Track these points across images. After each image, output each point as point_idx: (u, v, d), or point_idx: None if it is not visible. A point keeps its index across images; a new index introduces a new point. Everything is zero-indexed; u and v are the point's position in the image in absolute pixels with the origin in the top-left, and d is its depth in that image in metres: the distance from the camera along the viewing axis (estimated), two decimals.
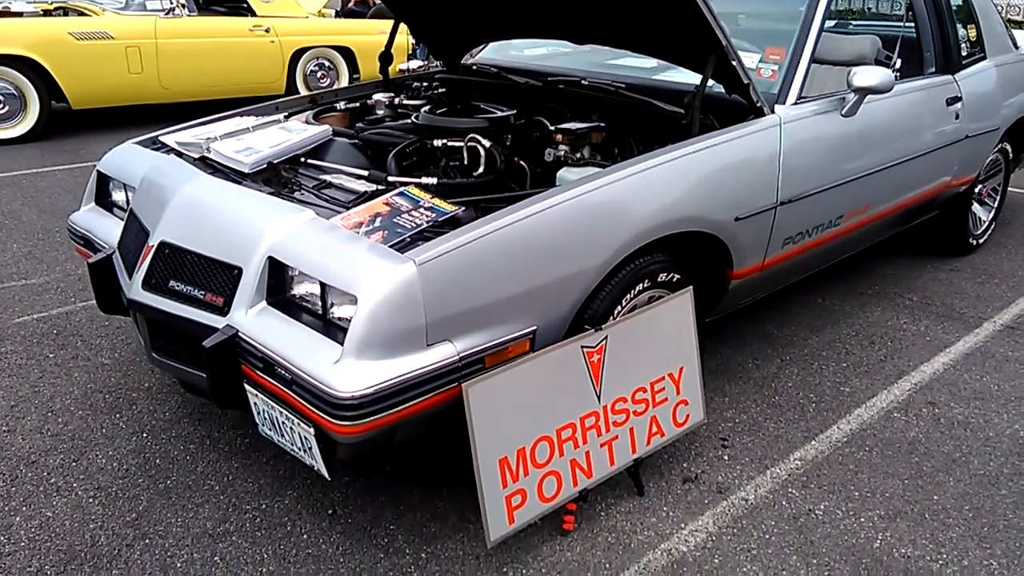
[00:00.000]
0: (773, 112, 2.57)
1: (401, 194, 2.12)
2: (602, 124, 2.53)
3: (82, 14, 6.85)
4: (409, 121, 2.74)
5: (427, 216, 2.00)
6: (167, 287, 2.09)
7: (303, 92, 7.48)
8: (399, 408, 1.74)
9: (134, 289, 2.14)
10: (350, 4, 10.84)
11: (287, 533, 2.10)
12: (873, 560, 2.04)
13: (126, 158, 2.65)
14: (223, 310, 1.98)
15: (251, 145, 2.48)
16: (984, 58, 3.75)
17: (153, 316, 2.11)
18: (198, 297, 2.03)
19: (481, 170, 2.40)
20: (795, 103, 2.65)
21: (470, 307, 1.84)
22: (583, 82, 2.91)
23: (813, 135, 2.68)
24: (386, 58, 3.34)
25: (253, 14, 7.45)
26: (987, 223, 4.28)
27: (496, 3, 2.98)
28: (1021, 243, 4.44)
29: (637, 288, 2.26)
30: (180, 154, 2.61)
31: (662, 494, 2.27)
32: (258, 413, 1.96)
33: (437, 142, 2.50)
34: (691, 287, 2.27)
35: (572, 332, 2.09)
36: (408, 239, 1.90)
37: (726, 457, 2.45)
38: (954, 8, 3.60)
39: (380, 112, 3.06)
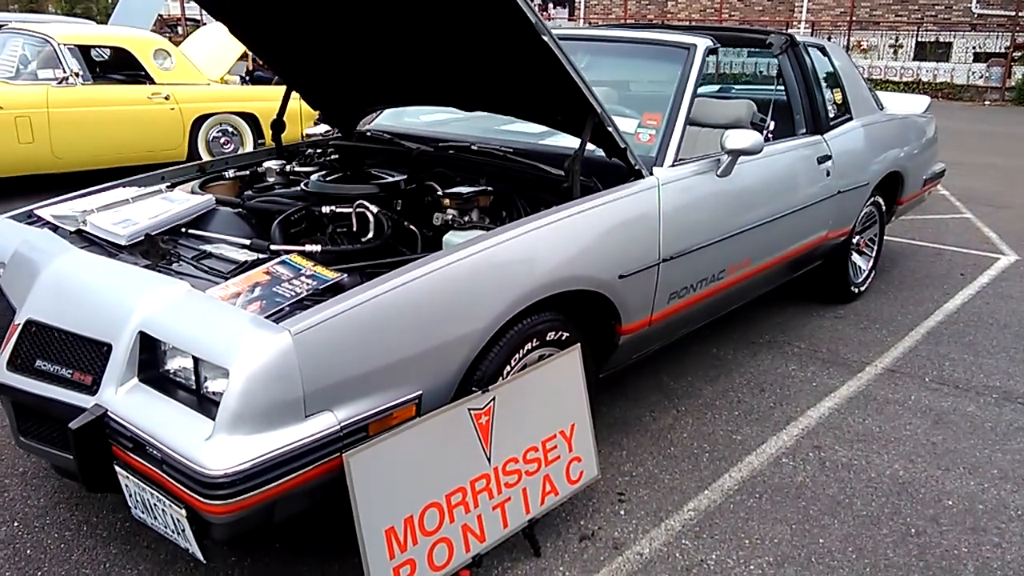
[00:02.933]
0: (651, 174, 2.68)
1: (283, 263, 2.10)
2: (489, 188, 2.58)
3: None
4: (299, 188, 2.74)
5: (308, 284, 1.98)
6: (33, 367, 1.99)
7: (206, 159, 7.37)
8: (276, 483, 1.70)
9: None
10: (255, 71, 10.82)
11: None
12: None
13: None
14: (92, 389, 1.90)
15: (129, 217, 2.42)
16: (851, 119, 4.03)
17: (19, 399, 2.01)
18: (66, 376, 1.95)
19: (370, 236, 2.41)
20: (672, 165, 2.77)
21: (351, 375, 1.83)
22: (473, 147, 2.98)
23: (691, 195, 2.80)
24: (278, 126, 3.34)
25: (152, 82, 7.34)
26: (867, 271, 4.53)
27: (386, 72, 3.03)
28: (899, 289, 4.71)
29: (526, 348, 2.29)
30: (56, 228, 2.53)
31: (559, 553, 2.26)
32: (130, 495, 1.87)
33: (325, 209, 2.50)
34: (579, 344, 2.32)
35: (461, 395, 2.09)
36: (287, 308, 1.88)
37: (622, 512, 2.47)
38: (820, 74, 3.87)
39: (271, 179, 3.05)
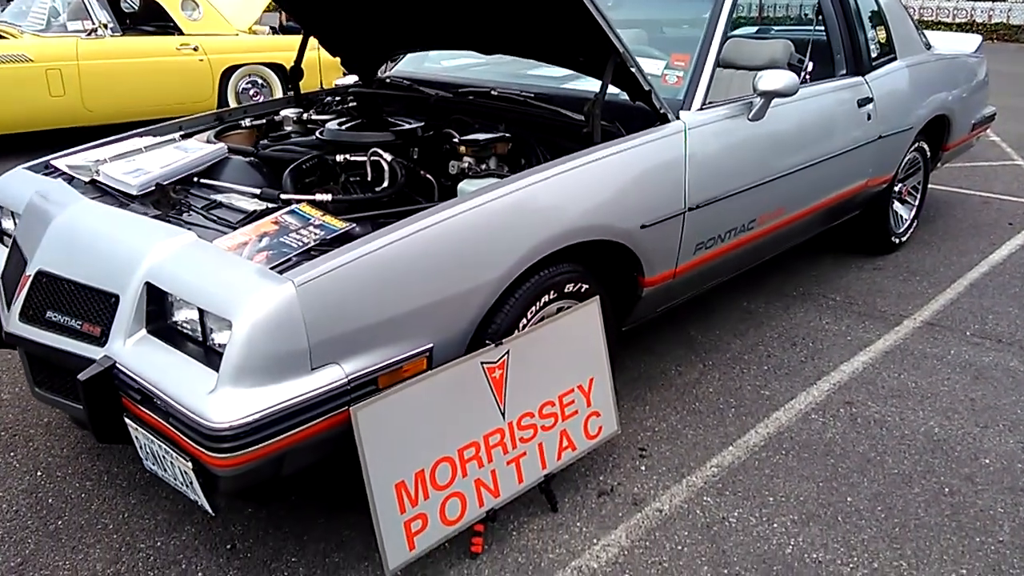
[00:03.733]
0: (678, 118, 2.56)
1: (292, 212, 2.05)
2: (507, 135, 2.49)
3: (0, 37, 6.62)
4: (314, 137, 2.67)
5: (316, 234, 1.93)
6: (44, 318, 1.98)
7: None
8: (282, 437, 1.67)
9: (11, 321, 2.03)
10: (288, 21, 10.71)
11: (181, 572, 2.00)
12: (784, 566, 2.02)
13: (13, 184, 2.54)
14: (100, 340, 1.88)
15: (141, 166, 2.38)
16: (895, 59, 3.81)
17: (32, 350, 2.00)
18: (75, 328, 1.93)
19: (384, 185, 2.34)
20: (700, 108, 2.64)
21: (359, 327, 1.78)
22: (493, 92, 2.87)
23: (720, 140, 2.67)
24: (295, 73, 3.26)
25: (180, 33, 7.29)
26: (909, 221, 4.35)
27: (405, 15, 2.93)
28: (943, 239, 4.52)
29: (543, 300, 2.22)
30: (71, 178, 2.50)
31: (576, 509, 2.22)
32: (140, 447, 1.86)
33: (339, 157, 2.44)
34: (598, 297, 2.24)
35: (474, 348, 2.03)
36: (293, 259, 1.83)
37: (643, 467, 2.42)
38: (864, 11, 3.66)
39: (287, 128, 2.98)
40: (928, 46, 4.23)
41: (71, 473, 2.39)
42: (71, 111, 6.69)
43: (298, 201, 2.14)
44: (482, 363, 1.97)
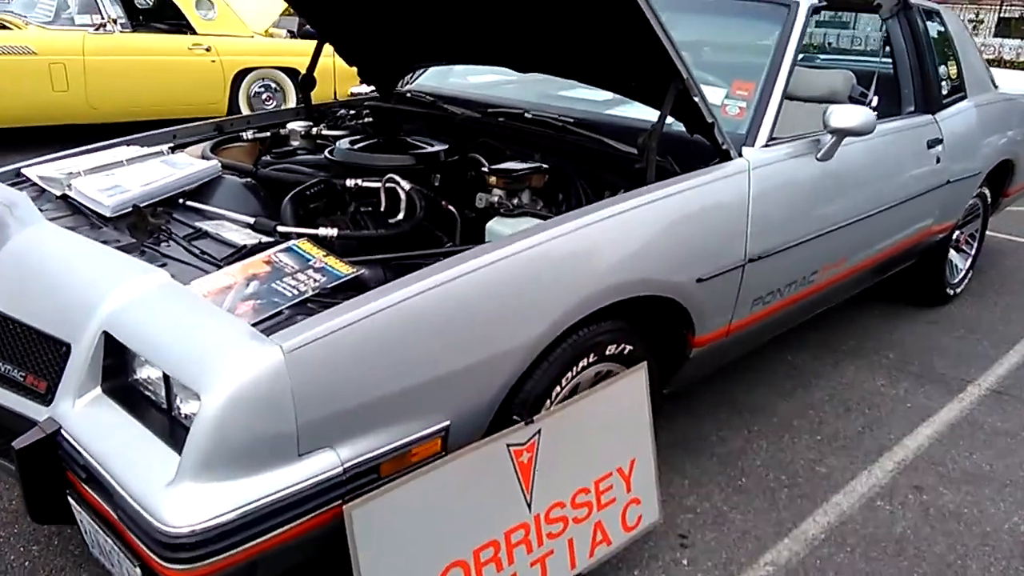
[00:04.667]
0: (740, 155, 2.22)
1: (289, 250, 1.71)
2: (544, 165, 2.16)
3: (3, 27, 6.34)
4: (323, 156, 2.35)
5: (315, 280, 1.59)
6: None
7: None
8: (257, 542, 1.33)
9: None
10: (306, 25, 10.44)
11: None
12: None
13: None
14: (46, 398, 1.55)
15: (120, 183, 2.06)
16: (964, 97, 3.47)
17: None
18: (17, 380, 1.59)
19: (399, 218, 2.01)
20: (765, 145, 2.30)
21: (361, 402, 1.44)
22: (526, 115, 2.54)
23: (785, 182, 2.33)
24: (307, 83, 2.94)
25: (193, 32, 7.00)
26: (964, 271, 3.99)
27: (430, 24, 2.61)
28: (999, 292, 4.16)
29: (580, 364, 1.88)
30: (41, 191, 2.18)
31: None
32: (86, 532, 1.52)
33: (349, 182, 2.11)
34: (645, 363, 1.89)
35: (498, 423, 1.69)
36: (285, 311, 1.49)
37: (685, 560, 2.06)
38: (936, 45, 3.33)
39: (294, 143, 2.66)
40: (995, 84, 3.89)
41: (16, 533, 2.04)
42: (74, 107, 6.40)
43: (297, 235, 1.81)
44: (508, 445, 1.62)
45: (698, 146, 2.22)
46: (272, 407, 1.32)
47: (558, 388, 1.83)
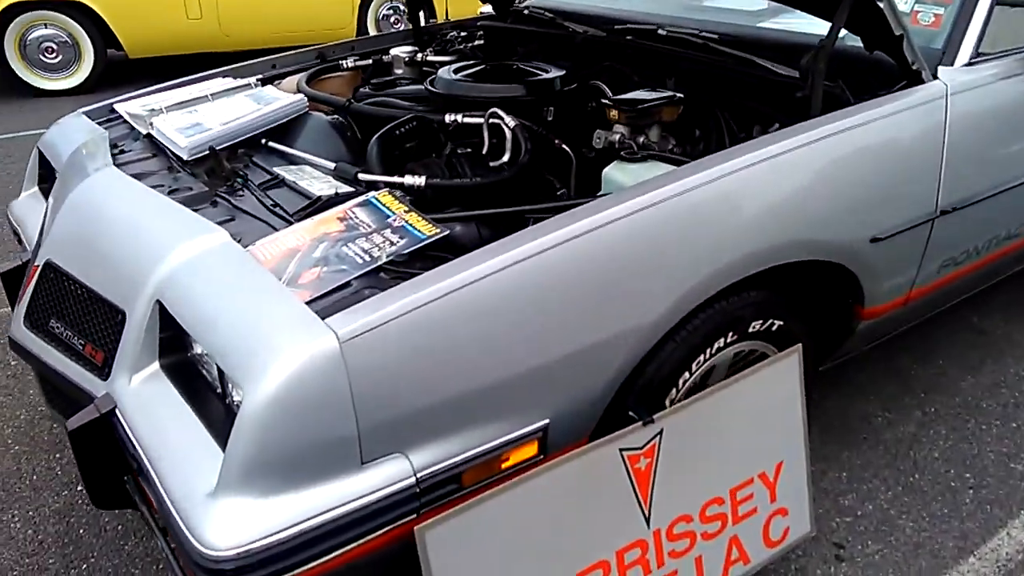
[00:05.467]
0: (935, 77, 1.74)
1: (367, 204, 1.45)
2: (677, 95, 1.77)
3: None
4: (422, 86, 2.06)
5: (392, 243, 1.32)
6: (47, 327, 1.51)
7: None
8: (312, 565, 1.11)
9: (15, 324, 1.58)
10: None
11: None
12: None
13: (66, 132, 2.09)
14: (103, 371, 1.38)
15: (201, 120, 1.86)
16: None
17: (34, 365, 1.54)
18: (78, 349, 1.44)
19: (504, 160, 1.70)
20: (968, 63, 1.80)
21: (439, 398, 1.17)
22: (660, 32, 2.12)
23: (993, 111, 1.82)
24: (416, 1, 2.63)
25: None
26: None
27: None
28: None
29: (716, 345, 1.53)
30: (131, 129, 2.03)
31: None
32: (147, 523, 1.37)
33: (447, 118, 1.81)
34: (800, 347, 1.52)
35: (609, 423, 1.39)
36: (354, 283, 1.24)
37: None
38: None
39: (397, 71, 2.38)
40: None
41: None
42: (208, 35, 6.42)
43: (385, 184, 1.55)
44: (622, 450, 1.32)
45: (878, 66, 1.75)
46: (326, 406, 1.08)
47: (686, 375, 1.50)
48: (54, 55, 5.85)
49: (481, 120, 1.78)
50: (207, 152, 1.74)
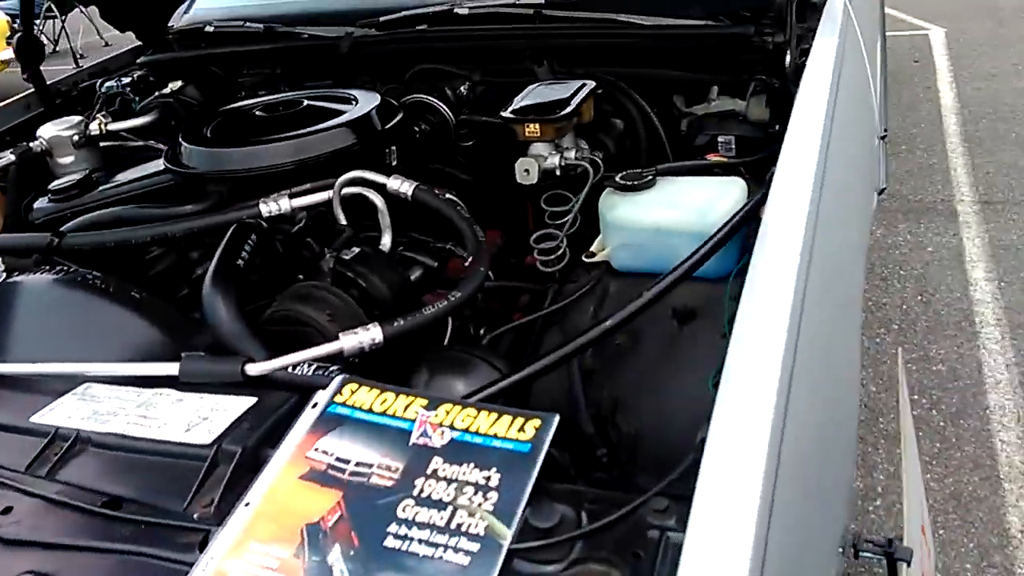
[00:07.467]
0: None
1: (334, 424, 0.71)
2: (589, 83, 1.26)
3: None
4: (160, 172, 1.24)
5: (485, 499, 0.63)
6: None
7: None
8: None
9: None
10: None
11: None
12: None
13: None
14: None
15: None
16: None
17: None
18: None
19: (385, 242, 1.05)
20: None
21: None
22: (456, 10, 1.54)
23: None
24: (30, 47, 1.64)
25: None
26: None
27: None
28: None
29: None
30: None
31: None
32: None
33: (270, 208, 1.07)
34: None
35: None
36: None
37: None
38: None
39: (65, 160, 1.45)
40: None
41: None
42: None
43: (301, 367, 0.80)
44: None
45: None
46: None
47: None
48: None
49: (326, 196, 1.09)
50: None
